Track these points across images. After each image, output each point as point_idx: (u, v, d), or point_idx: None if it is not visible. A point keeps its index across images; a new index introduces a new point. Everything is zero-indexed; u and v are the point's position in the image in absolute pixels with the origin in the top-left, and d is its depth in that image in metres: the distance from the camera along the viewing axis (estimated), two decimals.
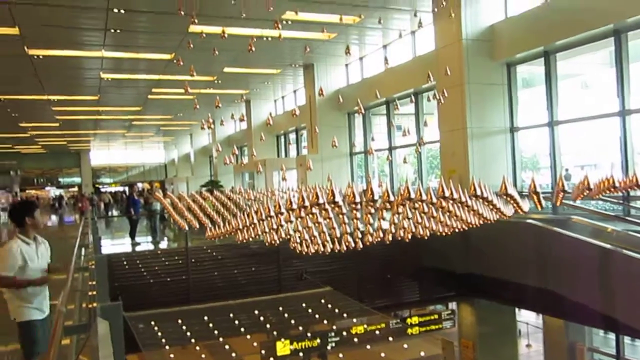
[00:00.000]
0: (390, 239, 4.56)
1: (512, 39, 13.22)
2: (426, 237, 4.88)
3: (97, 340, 2.27)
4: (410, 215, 4.18)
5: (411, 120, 17.70)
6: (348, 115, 21.00)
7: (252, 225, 4.59)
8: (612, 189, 4.12)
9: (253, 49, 6.90)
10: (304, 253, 4.58)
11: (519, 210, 4.63)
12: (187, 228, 6.85)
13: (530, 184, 3.91)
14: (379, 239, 4.47)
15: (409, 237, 4.75)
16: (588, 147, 15.63)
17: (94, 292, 3.53)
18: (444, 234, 5.13)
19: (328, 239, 4.17)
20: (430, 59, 14.50)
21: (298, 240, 4.45)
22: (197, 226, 6.23)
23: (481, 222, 5.06)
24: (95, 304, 3.20)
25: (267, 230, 4.38)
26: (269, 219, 4.25)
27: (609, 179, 4.01)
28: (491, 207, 4.19)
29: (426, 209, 4.28)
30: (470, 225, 5.05)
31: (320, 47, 18.15)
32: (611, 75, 11.39)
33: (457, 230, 5.18)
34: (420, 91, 16.43)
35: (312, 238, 4.26)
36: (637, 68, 11.32)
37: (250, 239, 4.94)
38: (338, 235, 4.04)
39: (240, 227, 4.83)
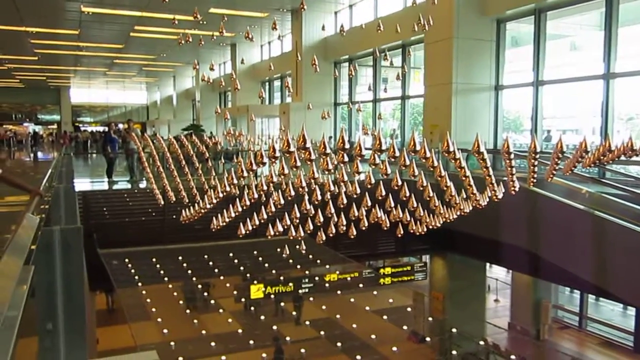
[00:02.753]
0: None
1: None
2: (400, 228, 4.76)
3: None
4: (389, 172, 3.94)
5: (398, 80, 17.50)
6: (334, 65, 20.69)
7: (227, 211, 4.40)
8: (609, 153, 3.97)
9: None
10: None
11: (494, 197, 4.49)
12: (162, 202, 6.65)
13: (504, 144, 3.72)
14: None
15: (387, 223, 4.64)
16: (571, 111, 15.69)
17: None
18: (417, 232, 5.04)
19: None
20: (421, 11, 14.22)
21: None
22: (174, 199, 6.04)
23: (456, 213, 4.93)
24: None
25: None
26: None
27: (604, 145, 3.88)
28: (463, 177, 3.98)
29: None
30: (446, 220, 4.96)
31: None
32: (600, 37, 11.31)
33: (430, 226, 5.07)
34: (409, 43, 16.19)
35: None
36: (626, 32, 11.25)
37: (224, 223, 4.71)
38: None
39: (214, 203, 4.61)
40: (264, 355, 11.32)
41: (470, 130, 13.25)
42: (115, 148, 14.14)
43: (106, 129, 19.46)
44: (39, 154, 29.18)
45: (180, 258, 10.18)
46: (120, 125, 30.46)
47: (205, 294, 10.28)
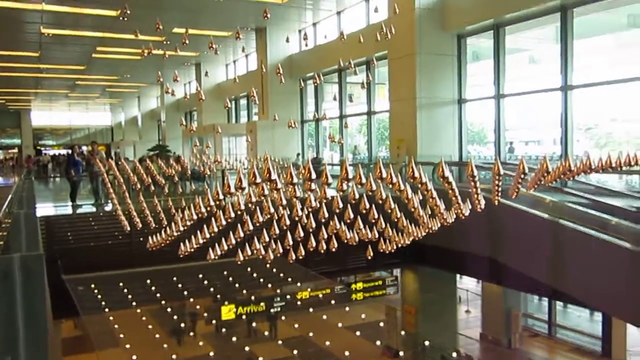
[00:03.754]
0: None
1: (463, 10, 13.31)
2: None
3: None
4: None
5: (362, 90, 17.72)
6: (300, 82, 20.78)
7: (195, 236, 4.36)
8: (568, 173, 4.07)
9: None
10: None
11: (461, 214, 4.55)
12: (128, 228, 6.52)
13: (468, 168, 3.77)
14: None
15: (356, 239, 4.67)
16: (532, 123, 16.10)
17: None
18: (387, 251, 5.08)
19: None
20: (382, 27, 14.43)
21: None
22: (140, 226, 5.93)
23: (424, 232, 4.99)
24: None
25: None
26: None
27: (564, 165, 3.98)
28: (430, 199, 4.03)
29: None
30: (415, 237, 5.02)
31: (275, 10, 17.79)
32: (557, 50, 11.66)
33: (399, 244, 5.13)
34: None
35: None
36: (581, 45, 11.63)
37: (192, 249, 4.65)
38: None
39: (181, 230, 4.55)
40: None
41: (435, 144, 13.44)
42: (79, 171, 13.84)
43: (69, 151, 19.08)
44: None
45: (148, 281, 9.97)
46: (84, 148, 29.95)
47: (177, 318, 10.05)
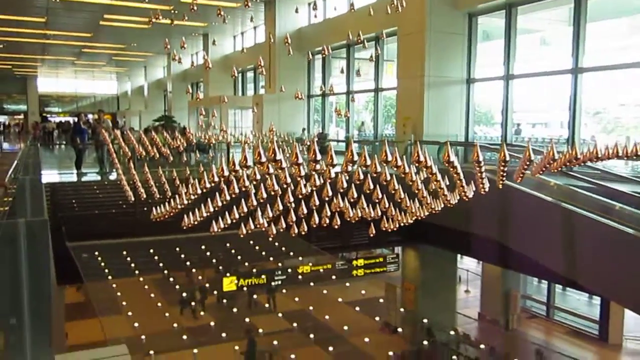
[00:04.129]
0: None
1: None
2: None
3: None
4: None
5: (370, 66, 17.58)
6: (308, 54, 20.60)
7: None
8: (574, 161, 4.05)
9: None
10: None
11: (464, 197, 4.53)
12: (132, 198, 6.51)
13: (474, 153, 3.75)
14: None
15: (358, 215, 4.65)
16: (541, 105, 15.97)
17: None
18: (389, 229, 5.08)
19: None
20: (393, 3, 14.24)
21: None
22: (144, 196, 5.91)
23: (427, 212, 4.98)
24: None
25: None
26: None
27: (570, 153, 3.96)
28: (435, 182, 4.01)
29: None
30: (417, 217, 5.01)
31: None
32: (569, 33, 11.49)
33: (401, 224, 5.13)
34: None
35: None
36: (594, 28, 11.46)
37: (195, 222, 4.64)
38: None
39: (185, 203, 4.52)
40: (236, 347, 11.32)
41: (442, 123, 13.37)
42: (84, 139, 13.87)
43: (75, 119, 19.05)
44: (5, 145, 28.45)
45: (151, 251, 10.05)
46: (90, 116, 29.98)
47: (179, 287, 10.15)
